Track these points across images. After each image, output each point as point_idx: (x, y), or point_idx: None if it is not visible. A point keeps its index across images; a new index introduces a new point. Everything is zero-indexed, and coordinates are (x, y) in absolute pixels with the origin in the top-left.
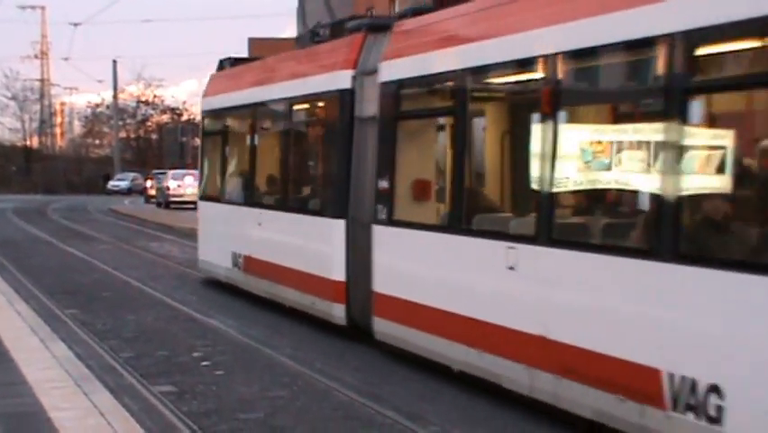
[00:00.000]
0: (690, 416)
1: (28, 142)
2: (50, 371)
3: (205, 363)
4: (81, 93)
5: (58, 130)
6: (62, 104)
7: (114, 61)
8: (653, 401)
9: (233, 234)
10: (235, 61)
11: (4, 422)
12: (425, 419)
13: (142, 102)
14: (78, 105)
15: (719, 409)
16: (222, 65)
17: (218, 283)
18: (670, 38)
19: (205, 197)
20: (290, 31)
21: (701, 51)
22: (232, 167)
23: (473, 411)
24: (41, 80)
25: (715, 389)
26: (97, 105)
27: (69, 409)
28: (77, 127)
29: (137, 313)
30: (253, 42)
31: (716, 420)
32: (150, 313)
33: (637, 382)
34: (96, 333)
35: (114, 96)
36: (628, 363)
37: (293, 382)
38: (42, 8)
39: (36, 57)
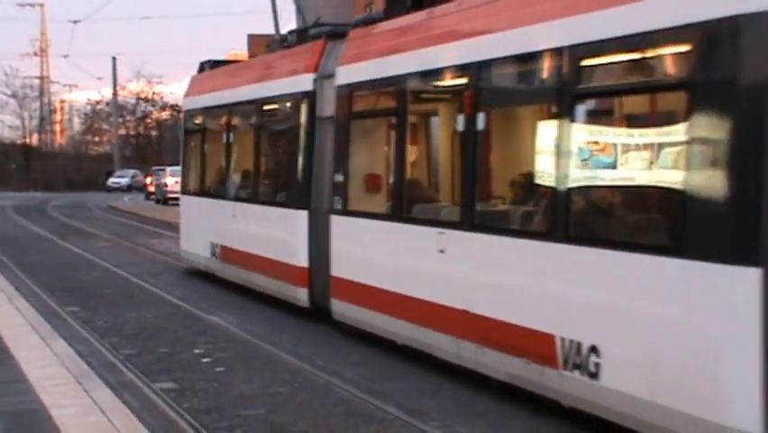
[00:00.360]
0: (577, 373)
1: (28, 140)
2: (51, 368)
3: (205, 359)
4: (81, 90)
5: (57, 127)
6: (62, 101)
7: (114, 58)
8: (550, 362)
9: (211, 226)
10: (214, 64)
11: (4, 420)
12: (425, 414)
13: (142, 99)
14: (78, 103)
15: (597, 365)
16: (202, 67)
17: (214, 277)
18: (558, 51)
19: (186, 191)
20: (290, 27)
21: (584, 63)
22: (209, 163)
23: (473, 406)
24: (41, 78)
25: (594, 349)
26: (97, 103)
27: (70, 407)
28: (77, 124)
29: (137, 310)
30: (253, 39)
31: (594, 376)
32: (150, 310)
33: (538, 347)
34: (96, 330)
35: (114, 93)
36: (531, 331)
37: (293, 378)
38: (41, 5)
39: (36, 54)
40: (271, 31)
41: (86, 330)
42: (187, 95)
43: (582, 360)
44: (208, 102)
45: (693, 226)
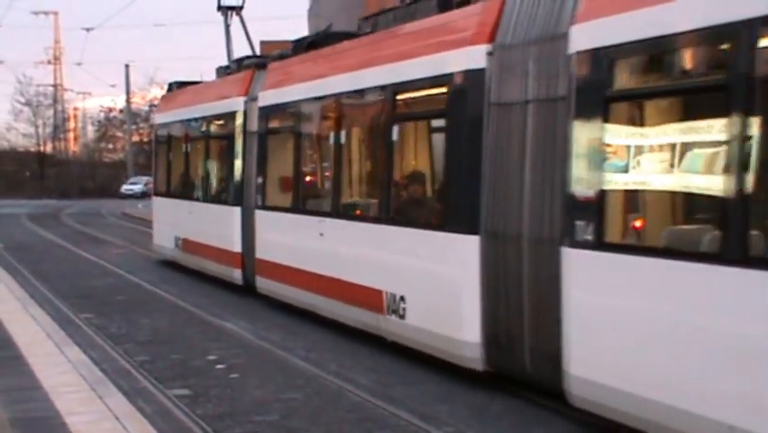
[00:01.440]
0: (394, 317)
1: (42, 148)
2: (66, 375)
3: (219, 365)
4: (94, 98)
5: (71, 135)
6: (75, 109)
7: (127, 66)
8: (380, 310)
9: (175, 222)
10: (180, 84)
11: (20, 427)
12: (438, 419)
13: (155, 106)
14: (91, 110)
15: (405, 309)
16: (170, 87)
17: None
18: (382, 88)
19: (156, 193)
20: (303, 32)
21: (399, 97)
22: (173, 169)
23: (487, 412)
24: (55, 86)
25: (403, 298)
26: (110, 110)
27: (85, 414)
28: (91, 132)
29: (151, 316)
30: (265, 45)
31: (402, 317)
32: (164, 316)
33: (373, 301)
34: (110, 337)
35: (127, 101)
36: (370, 288)
37: (307, 384)
38: (55, 14)
39: (49, 62)
40: (284, 37)
41: (100, 337)
42: (157, 111)
43: (397, 306)
44: (171, 117)
45: (446, 210)
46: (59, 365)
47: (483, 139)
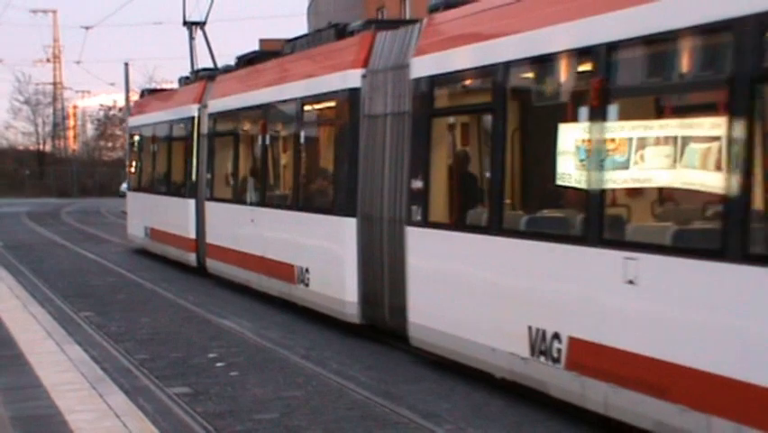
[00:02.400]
0: (302, 285)
1: (41, 146)
2: (66, 373)
3: (219, 364)
4: (93, 96)
5: (70, 133)
6: (75, 107)
7: (126, 64)
8: (293, 281)
9: (144, 214)
10: (151, 91)
11: (20, 425)
12: (439, 417)
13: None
14: (91, 109)
15: (309, 278)
16: (143, 93)
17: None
18: (294, 100)
19: (130, 188)
20: (302, 31)
21: (305, 108)
22: (143, 167)
23: (488, 409)
24: (54, 84)
25: (308, 270)
26: (110, 108)
27: (85, 412)
28: (90, 130)
29: (151, 315)
30: (264, 43)
31: (307, 285)
32: (164, 315)
33: (288, 273)
34: (110, 335)
35: (127, 99)
36: (286, 264)
37: (307, 382)
38: (54, 12)
39: (48, 61)
40: (285, 35)
41: (100, 335)
42: (130, 115)
43: (303, 277)
44: (142, 121)
45: (335, 199)
46: (59, 364)
47: (359, 143)
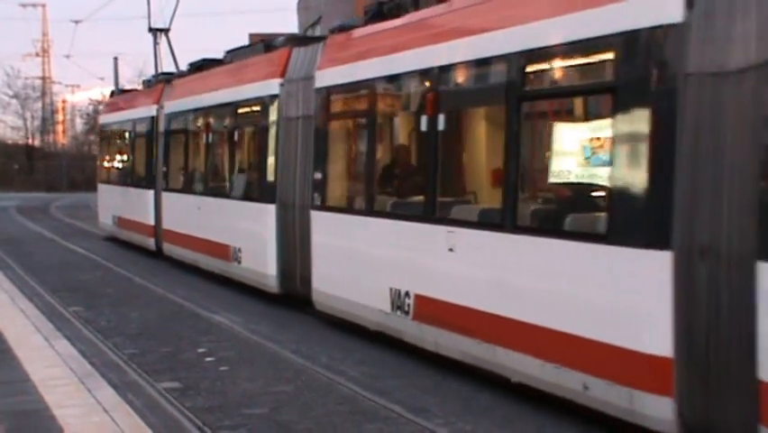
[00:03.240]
0: (236, 263)
1: (30, 141)
2: (54, 368)
3: (209, 358)
4: (83, 90)
5: (60, 128)
6: (64, 101)
7: (116, 58)
8: (229, 260)
9: (112, 204)
10: (121, 92)
11: (8, 420)
12: (429, 411)
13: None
14: (80, 103)
15: (241, 257)
16: (113, 93)
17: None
18: (229, 104)
19: (99, 180)
20: (292, 25)
21: (239, 111)
22: (111, 161)
23: (477, 404)
24: (43, 78)
25: (240, 250)
26: (99, 103)
27: (73, 407)
28: (79, 125)
29: (140, 310)
30: (254, 38)
31: (240, 262)
32: (153, 309)
33: (225, 253)
34: (99, 330)
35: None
36: (220, 244)
37: (297, 376)
38: (43, 6)
39: (37, 55)
40: (273, 30)
41: (89, 330)
42: (102, 114)
43: (237, 255)
44: (110, 119)
45: (259, 188)
46: (47, 358)
47: (278, 141)
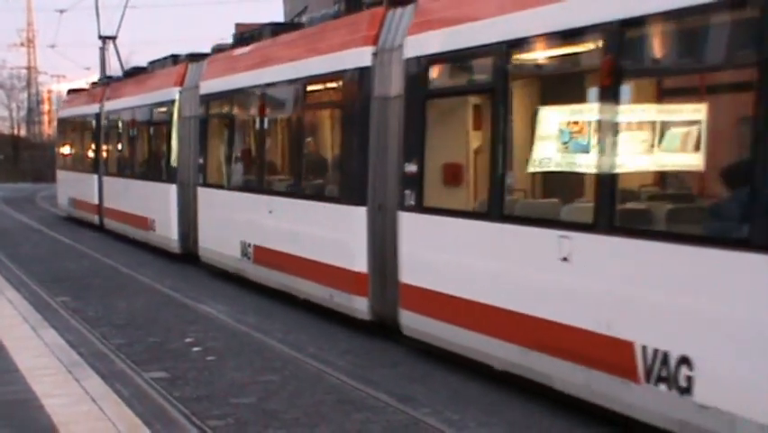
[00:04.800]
0: (152, 231)
1: (16, 131)
2: (42, 358)
3: (196, 348)
4: (68, 80)
5: (45, 118)
6: (49, 91)
7: (101, 48)
8: (147, 228)
9: (68, 187)
10: (73, 91)
11: None
12: (416, 400)
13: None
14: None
15: (156, 226)
16: (69, 92)
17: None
18: (150, 105)
19: (58, 167)
20: (278, 14)
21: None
22: (66, 150)
23: (465, 393)
24: (28, 68)
25: (155, 220)
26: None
27: (61, 396)
28: None
29: (128, 300)
30: (240, 27)
31: (155, 230)
32: (140, 299)
33: (145, 223)
34: (87, 320)
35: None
36: (143, 217)
37: (284, 366)
38: None
39: (22, 45)
40: (257, 20)
41: (76, 320)
42: (59, 110)
43: (152, 225)
44: (65, 114)
45: (165, 171)
46: (35, 348)
47: (179, 136)
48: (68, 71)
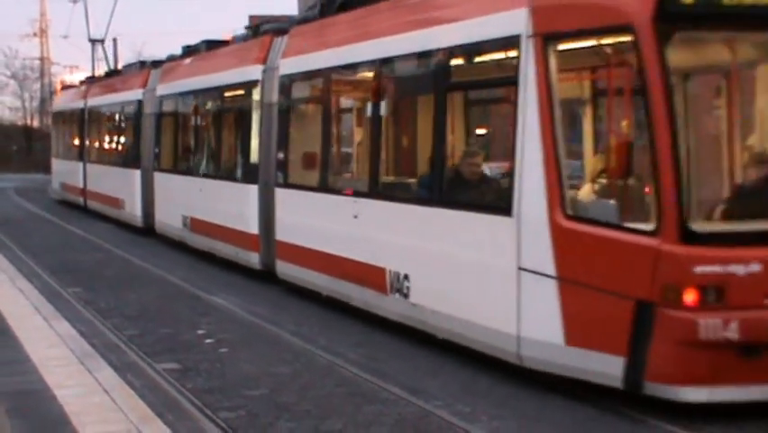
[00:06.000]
0: (122, 210)
1: (28, 121)
2: (54, 349)
3: (208, 340)
4: (81, 71)
5: None
6: (62, 82)
7: (114, 39)
8: (119, 208)
9: (59, 173)
10: (66, 87)
11: (9, 400)
12: (428, 393)
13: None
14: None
15: (125, 205)
16: (63, 88)
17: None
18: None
19: (52, 155)
20: (291, 7)
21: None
22: (58, 140)
23: (476, 386)
24: (41, 59)
25: (124, 201)
26: None
27: (74, 387)
28: None
29: (139, 291)
30: (254, 20)
31: (124, 208)
32: (152, 290)
33: (117, 203)
34: (99, 311)
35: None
36: (116, 198)
37: (296, 358)
38: None
39: (35, 35)
40: (274, 11)
41: (88, 311)
42: (53, 103)
43: (123, 205)
44: (58, 107)
45: (132, 158)
46: (47, 339)
47: (147, 129)
48: (81, 62)
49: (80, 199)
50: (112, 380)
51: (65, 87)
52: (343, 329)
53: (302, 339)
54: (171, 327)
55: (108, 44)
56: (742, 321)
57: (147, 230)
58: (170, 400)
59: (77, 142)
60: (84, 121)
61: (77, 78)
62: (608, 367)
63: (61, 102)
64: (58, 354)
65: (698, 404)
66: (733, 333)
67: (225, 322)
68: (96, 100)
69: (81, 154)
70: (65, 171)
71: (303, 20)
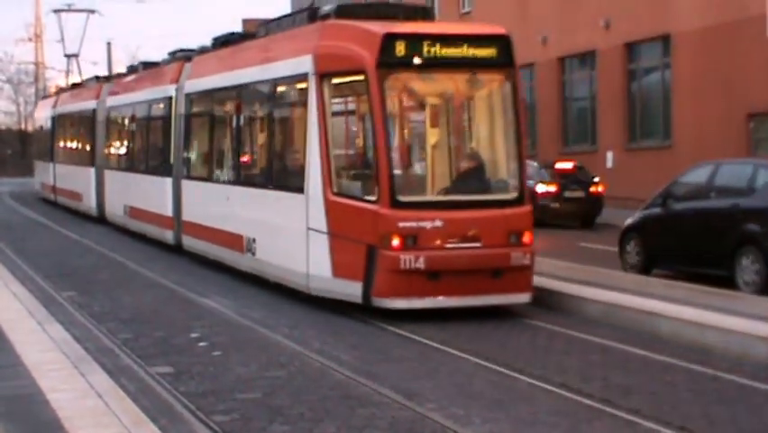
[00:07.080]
0: (81, 203)
1: (23, 126)
2: (48, 353)
3: (202, 343)
4: (76, 76)
5: None
6: (57, 86)
7: (109, 43)
8: (79, 201)
9: (40, 174)
10: (44, 97)
11: (2, 404)
12: (421, 396)
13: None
14: None
15: (83, 198)
16: (44, 97)
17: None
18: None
19: (33, 158)
20: (285, 10)
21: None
22: (39, 143)
23: (469, 389)
24: (36, 63)
25: (82, 195)
26: None
27: (67, 391)
28: None
29: (134, 295)
30: (247, 23)
31: (83, 201)
32: (146, 294)
33: (78, 197)
34: (93, 315)
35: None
36: (77, 192)
37: (290, 361)
38: None
39: (30, 40)
40: (267, 14)
41: (82, 315)
42: (34, 112)
43: (82, 198)
44: (38, 114)
45: (90, 156)
46: (41, 343)
47: (101, 132)
48: (75, 66)
49: (51, 195)
50: (105, 384)
51: (44, 97)
52: (337, 332)
53: (295, 342)
54: (165, 331)
55: (102, 50)
56: (427, 257)
57: (100, 218)
58: (164, 403)
59: (48, 145)
60: (54, 126)
61: (71, 82)
62: (354, 290)
63: (37, 110)
64: (51, 359)
65: (402, 310)
66: (421, 264)
67: (218, 325)
68: (62, 108)
69: (52, 156)
70: (41, 172)
71: (202, 50)
